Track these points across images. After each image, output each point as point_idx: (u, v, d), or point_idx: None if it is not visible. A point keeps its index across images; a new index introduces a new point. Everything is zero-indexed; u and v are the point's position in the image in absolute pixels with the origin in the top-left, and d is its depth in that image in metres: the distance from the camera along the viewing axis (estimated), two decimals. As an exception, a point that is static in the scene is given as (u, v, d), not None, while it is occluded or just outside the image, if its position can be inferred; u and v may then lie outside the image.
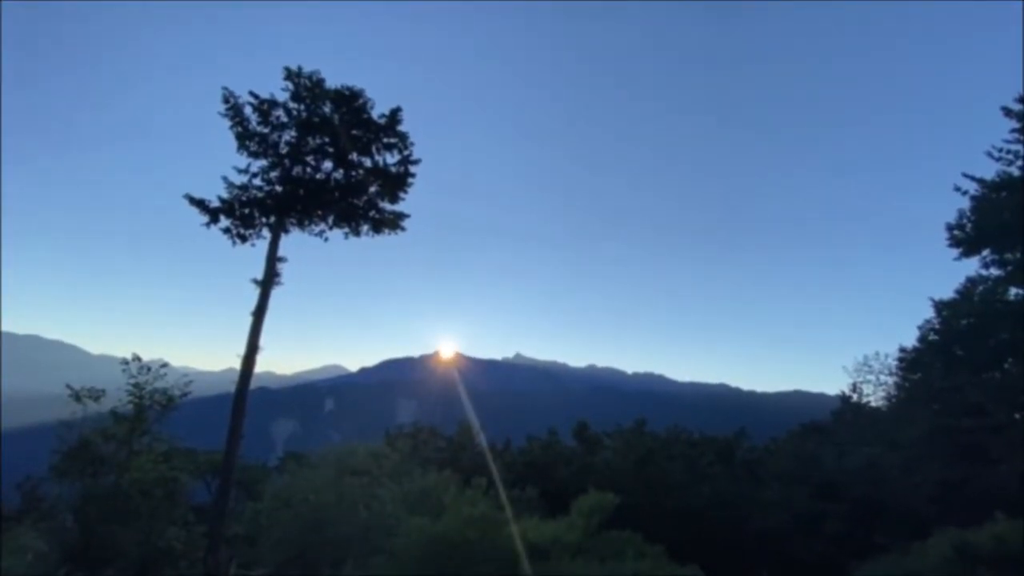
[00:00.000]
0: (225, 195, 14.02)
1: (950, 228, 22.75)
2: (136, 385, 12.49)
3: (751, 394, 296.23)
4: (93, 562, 10.18)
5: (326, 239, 15.12)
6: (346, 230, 15.12)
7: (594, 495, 16.20)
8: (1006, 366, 21.34)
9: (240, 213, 14.07)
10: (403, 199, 15.08)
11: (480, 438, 26.92)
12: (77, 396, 11.98)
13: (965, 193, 22.23)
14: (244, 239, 14.39)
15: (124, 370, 12.57)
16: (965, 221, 22.35)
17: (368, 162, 14.70)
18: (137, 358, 12.71)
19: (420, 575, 12.63)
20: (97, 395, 12.19)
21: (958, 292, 23.54)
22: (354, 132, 14.29)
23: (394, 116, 14.48)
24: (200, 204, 13.88)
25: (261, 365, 13.90)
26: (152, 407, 12.55)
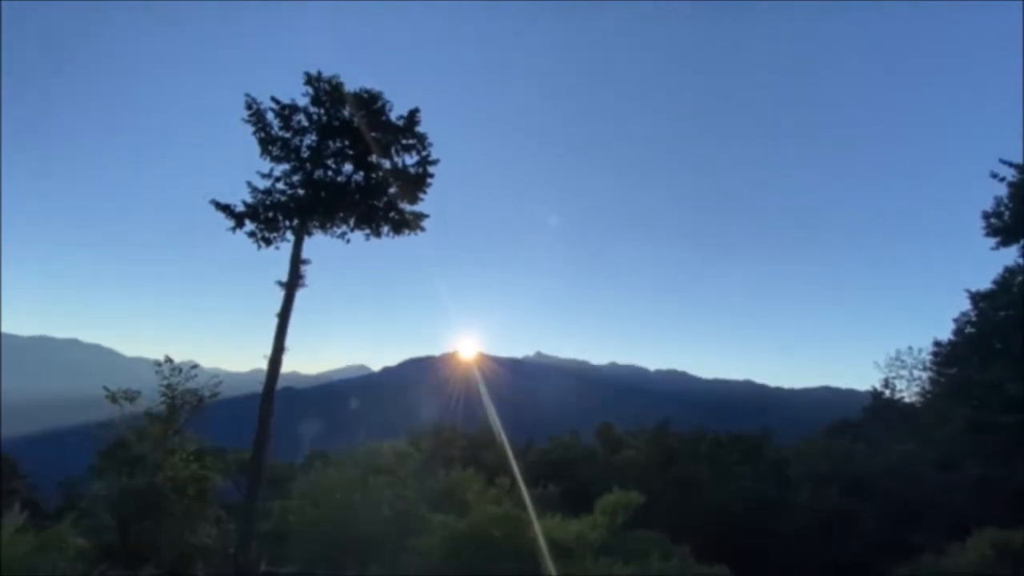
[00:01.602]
0: (250, 200, 14.28)
1: (987, 216, 21.93)
2: (168, 386, 12.82)
3: (778, 391, 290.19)
4: (130, 558, 10.48)
5: (348, 241, 15.29)
6: (367, 231, 15.26)
7: (618, 494, 16.08)
8: (1048, 359, 20.46)
9: (264, 217, 14.32)
10: (422, 200, 15.16)
11: (502, 437, 26.97)
12: (113, 397, 12.36)
13: (1002, 180, 21.39)
14: (268, 242, 14.63)
15: (157, 372, 12.90)
16: (1002, 209, 21.52)
17: (387, 164, 14.82)
18: (169, 360, 13.05)
19: (445, 572, 12.71)
20: (132, 396, 12.56)
21: (996, 283, 22.68)
22: (373, 134, 14.42)
23: (412, 117, 14.56)
24: (226, 209, 14.17)
25: (287, 365, 14.13)
26: (184, 407, 12.87)
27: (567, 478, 23.38)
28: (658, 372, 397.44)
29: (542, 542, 13.19)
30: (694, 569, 13.18)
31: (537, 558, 12.85)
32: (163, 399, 12.79)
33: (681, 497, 22.30)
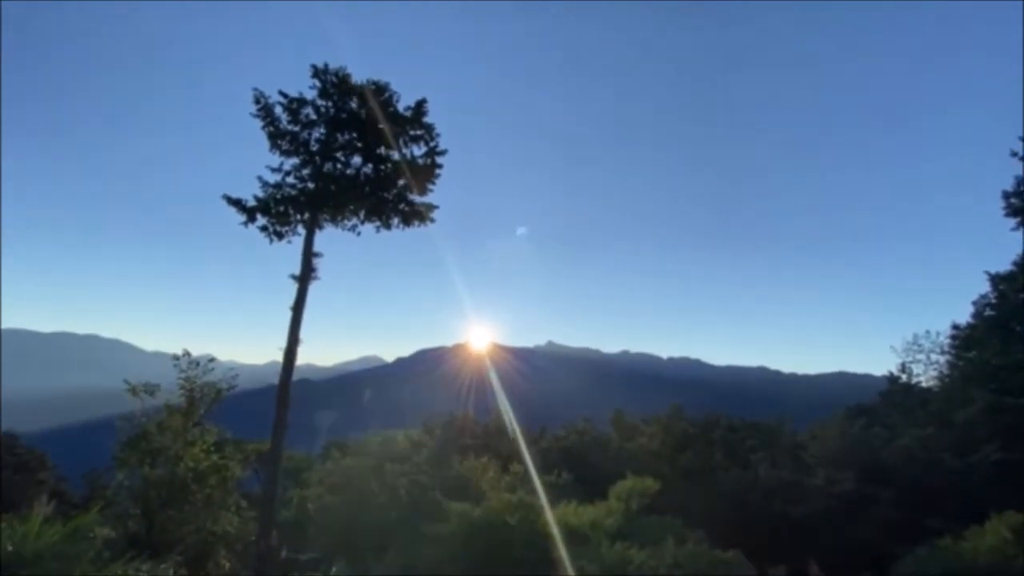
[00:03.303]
0: (260, 194, 14.37)
1: (1007, 196, 21.39)
2: (187, 379, 13.05)
3: (792, 376, 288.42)
4: (155, 546, 10.76)
5: (359, 233, 15.34)
6: (377, 224, 15.29)
7: (632, 480, 16.19)
8: (1071, 341, 20.08)
9: (275, 211, 14.40)
10: (432, 191, 15.15)
11: (514, 425, 27.14)
12: (134, 391, 12.61)
13: (1023, 158, 20.83)
14: (280, 236, 14.74)
15: (175, 365, 13.13)
16: (1023, 188, 20.98)
17: (396, 155, 14.80)
18: (187, 354, 13.26)
19: (460, 558, 12.89)
20: (152, 390, 12.79)
21: (1016, 264, 22.21)
22: (381, 126, 14.40)
23: (419, 108, 14.50)
24: (237, 204, 14.27)
25: (302, 357, 14.30)
26: (202, 399, 13.10)
27: (581, 465, 23.49)
28: (671, 360, 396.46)
29: (555, 529, 13.32)
30: (708, 554, 13.22)
31: (551, 544, 12.98)
32: (182, 392, 13.02)
33: (695, 483, 22.33)
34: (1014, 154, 20.98)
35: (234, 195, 14.28)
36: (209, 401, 13.10)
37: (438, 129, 14.68)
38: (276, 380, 13.99)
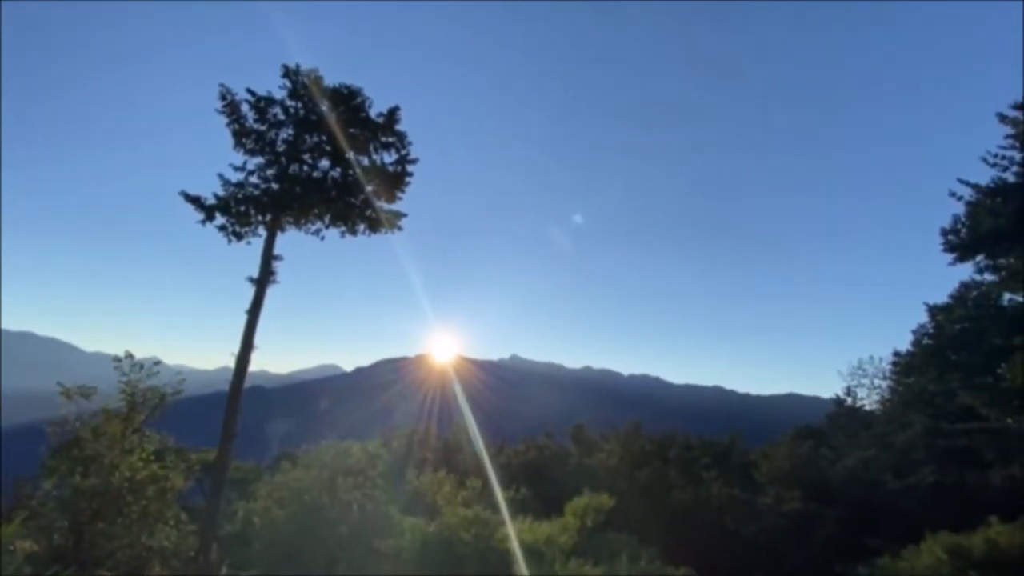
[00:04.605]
0: (221, 192, 13.92)
1: (945, 233, 22.86)
2: (128, 382, 12.35)
3: (746, 397, 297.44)
4: (83, 561, 10.05)
5: (322, 238, 15.06)
6: (343, 229, 15.05)
7: (588, 496, 16.23)
8: (999, 371, 21.47)
9: (236, 211, 13.97)
10: (400, 199, 15.05)
11: (476, 439, 26.88)
12: (68, 393, 11.82)
13: (960, 198, 22.34)
14: (240, 237, 14.29)
15: (116, 367, 12.40)
16: (959, 226, 22.46)
17: (365, 161, 14.65)
18: (129, 355, 12.54)
19: (413, 574, 12.58)
20: (88, 392, 12.00)
21: (952, 297, 23.70)
22: (351, 131, 14.24)
23: (392, 115, 14.44)
24: (196, 201, 13.78)
25: (256, 364, 13.81)
26: (144, 405, 12.41)
27: (540, 480, 23.43)
28: (631, 376, 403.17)
29: (514, 545, 13.18)
30: (661, 571, 13.34)
31: (506, 561, 12.83)
32: (122, 396, 12.30)
33: (651, 499, 22.58)
34: (952, 194, 22.49)
35: (192, 192, 13.81)
36: (152, 406, 12.40)
37: (413, 138, 14.66)
38: (226, 386, 13.45)
